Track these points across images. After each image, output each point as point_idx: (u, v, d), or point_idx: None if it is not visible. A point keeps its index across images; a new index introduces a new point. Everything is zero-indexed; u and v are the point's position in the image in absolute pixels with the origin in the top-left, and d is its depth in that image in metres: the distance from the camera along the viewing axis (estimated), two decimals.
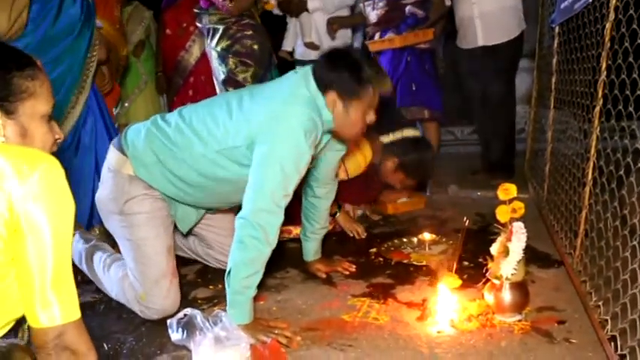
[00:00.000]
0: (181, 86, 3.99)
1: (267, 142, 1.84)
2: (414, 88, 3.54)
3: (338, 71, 1.90)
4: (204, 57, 3.87)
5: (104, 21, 2.86)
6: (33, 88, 1.15)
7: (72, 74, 2.52)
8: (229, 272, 1.83)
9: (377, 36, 3.64)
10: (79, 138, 2.61)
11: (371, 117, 1.98)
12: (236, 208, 1.95)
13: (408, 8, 3.55)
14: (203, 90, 3.82)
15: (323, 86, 1.91)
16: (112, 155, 2.10)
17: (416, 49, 3.54)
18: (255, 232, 1.79)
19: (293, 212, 2.62)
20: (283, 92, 1.92)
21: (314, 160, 2.15)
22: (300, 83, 1.93)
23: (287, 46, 4.23)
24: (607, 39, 1.95)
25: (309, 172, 2.25)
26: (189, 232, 2.33)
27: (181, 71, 3.99)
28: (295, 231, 2.72)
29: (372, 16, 3.67)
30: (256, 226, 1.79)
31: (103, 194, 2.11)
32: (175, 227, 2.23)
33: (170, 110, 3.39)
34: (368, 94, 1.91)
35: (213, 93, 3.67)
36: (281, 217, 1.85)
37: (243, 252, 1.80)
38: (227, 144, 1.93)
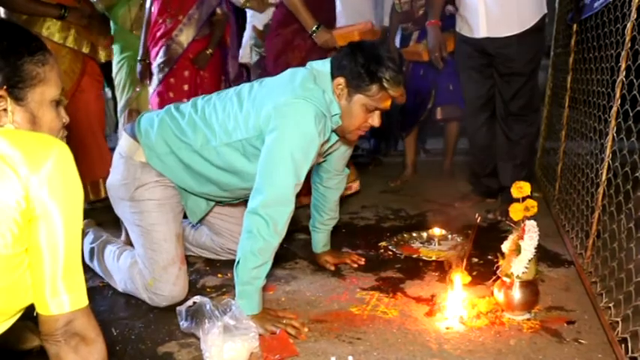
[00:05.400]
0: (167, 74, 3.82)
1: (275, 130, 1.82)
2: (451, 88, 3.53)
3: (355, 59, 1.87)
4: (192, 44, 3.71)
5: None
6: (43, 74, 1.12)
7: None
8: (238, 262, 1.83)
9: (415, 34, 3.60)
10: None
11: (374, 120, 1.95)
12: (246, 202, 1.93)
13: (447, 7, 3.36)
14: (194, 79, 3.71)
15: (336, 69, 1.91)
16: (125, 141, 2.11)
17: None
18: (263, 222, 1.78)
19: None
20: (293, 84, 1.90)
21: (324, 156, 2.14)
22: (309, 77, 1.91)
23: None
24: (628, 38, 1.93)
25: (318, 163, 2.24)
26: (199, 222, 2.33)
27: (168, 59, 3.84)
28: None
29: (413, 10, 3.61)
30: (265, 217, 1.78)
31: (114, 180, 2.11)
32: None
33: None
34: (375, 91, 1.87)
35: (211, 81, 3.59)
36: (292, 207, 1.83)
37: (252, 242, 1.79)
38: (237, 136, 1.93)
